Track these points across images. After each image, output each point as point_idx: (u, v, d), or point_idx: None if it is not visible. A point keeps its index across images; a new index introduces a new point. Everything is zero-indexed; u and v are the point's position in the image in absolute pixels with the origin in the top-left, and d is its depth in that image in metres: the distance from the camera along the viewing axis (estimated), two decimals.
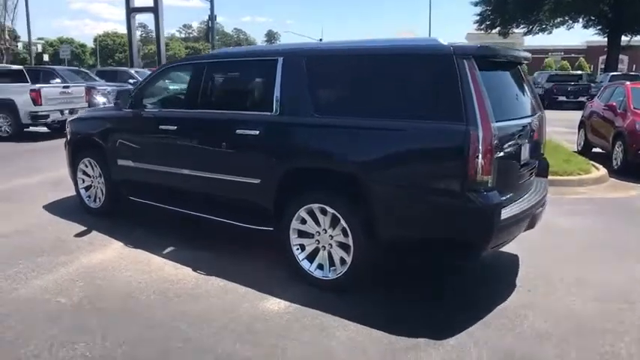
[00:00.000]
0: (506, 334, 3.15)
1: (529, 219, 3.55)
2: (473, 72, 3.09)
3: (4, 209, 5.91)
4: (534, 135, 3.88)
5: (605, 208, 6.33)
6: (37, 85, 11.53)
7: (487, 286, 3.94)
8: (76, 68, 19.60)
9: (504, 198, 3.26)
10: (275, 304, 3.53)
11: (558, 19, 32.29)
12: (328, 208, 3.61)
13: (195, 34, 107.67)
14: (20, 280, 3.89)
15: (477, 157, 3.02)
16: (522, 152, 3.59)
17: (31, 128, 12.24)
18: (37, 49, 57.96)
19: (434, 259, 3.74)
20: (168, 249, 4.60)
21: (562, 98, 23.77)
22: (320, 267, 3.77)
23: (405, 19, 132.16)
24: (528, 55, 3.84)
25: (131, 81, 17.43)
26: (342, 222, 3.55)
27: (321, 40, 73.98)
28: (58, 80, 13.75)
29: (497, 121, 3.16)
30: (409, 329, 3.17)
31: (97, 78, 16.85)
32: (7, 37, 37.06)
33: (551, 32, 34.42)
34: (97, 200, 5.60)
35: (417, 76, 3.33)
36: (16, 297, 3.62)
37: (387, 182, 3.38)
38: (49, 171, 8.00)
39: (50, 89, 11.85)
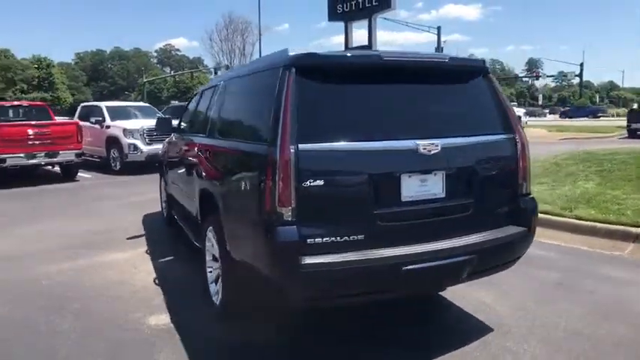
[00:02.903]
0: None
1: (394, 275, 2.67)
2: (289, 85, 2.62)
3: (120, 213, 7.45)
4: (465, 164, 2.97)
5: None
6: None
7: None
8: None
9: (322, 239, 2.58)
10: (157, 319, 3.61)
11: None
12: (214, 231, 3.51)
13: None
14: (44, 263, 4.94)
15: (273, 183, 2.54)
16: (404, 185, 2.78)
17: None
18: None
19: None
20: (167, 258, 5.10)
21: None
22: (218, 292, 3.65)
23: None
24: (412, 59, 2.88)
25: None
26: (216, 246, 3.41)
27: (581, 64, 65.39)
28: None
29: (323, 142, 2.61)
30: None
31: None
32: None
33: None
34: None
35: (260, 93, 3.01)
36: (22, 274, 4.63)
37: (225, 207, 3.12)
38: None
39: None
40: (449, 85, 3.08)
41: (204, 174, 3.75)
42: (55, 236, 6.07)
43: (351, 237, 2.65)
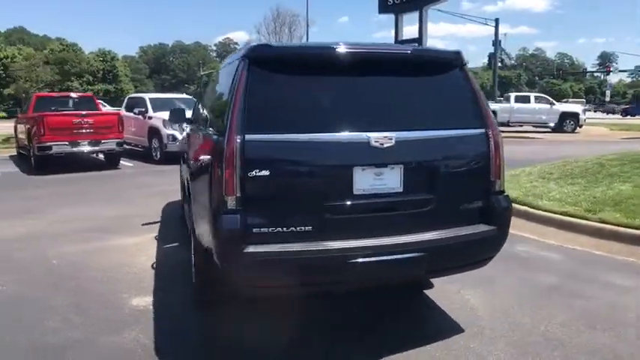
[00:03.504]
0: None
1: (341, 267, 2.67)
2: (242, 76, 2.70)
3: (147, 200, 7.81)
4: (426, 159, 2.92)
5: None
6: None
7: None
8: None
9: (269, 229, 2.63)
10: (139, 300, 3.79)
11: None
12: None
13: (513, 61, 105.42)
14: (60, 245, 5.29)
15: (220, 172, 2.61)
16: (356, 178, 2.76)
17: None
18: None
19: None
20: (173, 244, 5.31)
21: None
22: None
23: None
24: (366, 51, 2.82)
25: None
26: None
27: None
28: None
29: (272, 133, 2.66)
30: None
31: None
32: None
33: None
34: None
35: (224, 84, 3.11)
36: (37, 254, 4.99)
37: (192, 194, 3.22)
38: None
39: None
40: (413, 77, 3.01)
41: (186, 163, 3.90)
42: (79, 220, 6.47)
43: (298, 228, 2.68)
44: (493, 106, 23.99)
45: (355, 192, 2.76)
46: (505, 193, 3.16)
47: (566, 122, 23.51)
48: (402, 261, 2.77)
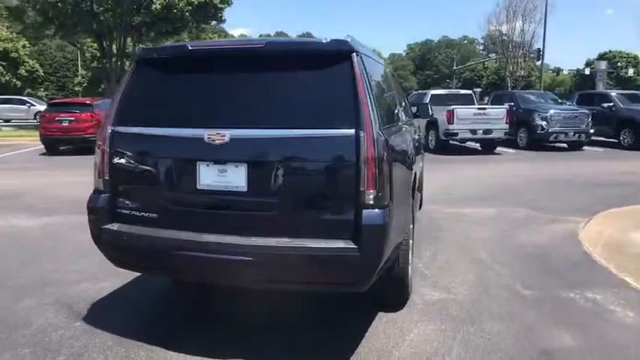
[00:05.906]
0: None
1: (167, 257, 2.79)
2: (128, 75, 3.08)
3: None
4: (270, 159, 2.73)
5: None
6: (452, 107, 13.23)
7: None
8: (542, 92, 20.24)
9: (126, 211, 2.95)
10: (107, 283, 4.35)
11: None
12: None
13: None
14: None
15: (97, 157, 3.04)
16: (201, 173, 2.80)
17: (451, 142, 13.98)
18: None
19: None
20: None
21: None
22: None
23: None
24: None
25: (605, 105, 15.77)
26: None
27: None
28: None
29: (131, 126, 2.97)
30: None
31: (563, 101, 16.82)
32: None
33: None
34: None
35: None
36: None
37: None
38: None
39: (464, 110, 13.23)
40: (267, 72, 2.83)
41: None
42: None
43: (147, 214, 2.94)
44: None
45: (199, 187, 2.84)
46: (384, 208, 2.58)
47: None
48: (225, 262, 2.69)
